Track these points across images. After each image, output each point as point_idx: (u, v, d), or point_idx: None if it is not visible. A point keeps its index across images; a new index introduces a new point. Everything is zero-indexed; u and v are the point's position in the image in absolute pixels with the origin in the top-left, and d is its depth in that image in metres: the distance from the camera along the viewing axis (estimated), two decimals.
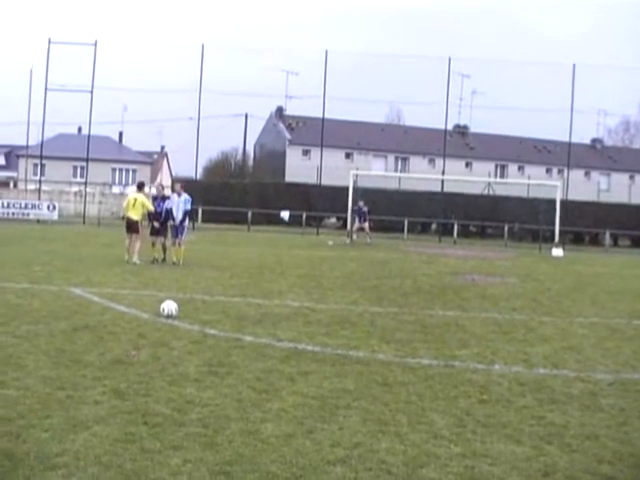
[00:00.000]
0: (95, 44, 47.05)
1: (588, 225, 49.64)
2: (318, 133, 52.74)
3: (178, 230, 20.68)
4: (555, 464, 5.80)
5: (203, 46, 49.81)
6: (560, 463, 5.83)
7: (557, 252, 37.27)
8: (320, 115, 52.30)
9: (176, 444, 5.77)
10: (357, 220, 38.04)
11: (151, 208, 20.63)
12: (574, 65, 51.86)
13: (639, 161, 74.98)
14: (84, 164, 52.33)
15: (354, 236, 38.06)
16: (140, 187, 21.58)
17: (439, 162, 57.77)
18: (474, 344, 10.62)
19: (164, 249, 20.79)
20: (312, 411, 6.83)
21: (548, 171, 69.01)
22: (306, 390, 7.53)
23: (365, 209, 37.71)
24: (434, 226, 51.35)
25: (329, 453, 5.75)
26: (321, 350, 9.61)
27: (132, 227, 20.46)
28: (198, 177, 54.98)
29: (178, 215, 20.73)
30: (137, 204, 20.49)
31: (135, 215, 20.48)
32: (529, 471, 5.63)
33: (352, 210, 38.91)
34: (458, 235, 45.35)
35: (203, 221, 46.53)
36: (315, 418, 6.63)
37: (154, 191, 22.81)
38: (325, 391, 7.54)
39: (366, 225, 37.87)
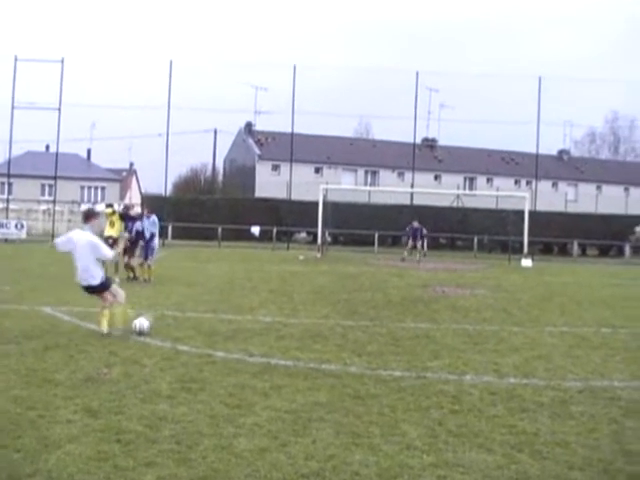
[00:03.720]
0: (62, 61, 46.95)
1: (556, 235, 50.16)
2: (287, 148, 52.88)
3: (147, 251, 20.75)
4: (526, 472, 5.87)
5: (171, 62, 49.97)
6: (531, 471, 5.90)
7: (526, 263, 37.59)
8: (289, 130, 52.44)
9: (149, 461, 5.76)
10: (410, 239, 38.01)
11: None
12: (540, 78, 52.57)
13: (605, 171, 75.85)
14: (52, 182, 52.09)
15: (405, 254, 37.98)
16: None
17: (408, 175, 58.24)
18: (445, 355, 10.70)
19: (132, 268, 20.74)
20: (285, 425, 6.85)
21: (516, 182, 69.58)
22: (279, 404, 7.55)
23: (420, 228, 37.85)
24: (404, 239, 51.53)
25: (303, 466, 5.77)
26: (293, 364, 9.64)
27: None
28: (168, 194, 54.89)
29: (146, 236, 20.85)
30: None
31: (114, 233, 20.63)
32: (501, 479, 5.69)
33: (406, 230, 38.84)
34: (428, 247, 45.56)
35: (173, 237, 46.39)
36: (288, 432, 6.65)
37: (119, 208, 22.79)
38: (298, 405, 7.57)
39: (419, 244, 38.08)
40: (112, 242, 20.33)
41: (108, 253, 12.08)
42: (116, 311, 11.88)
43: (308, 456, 6.02)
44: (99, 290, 11.80)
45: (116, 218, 20.77)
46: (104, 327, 11.41)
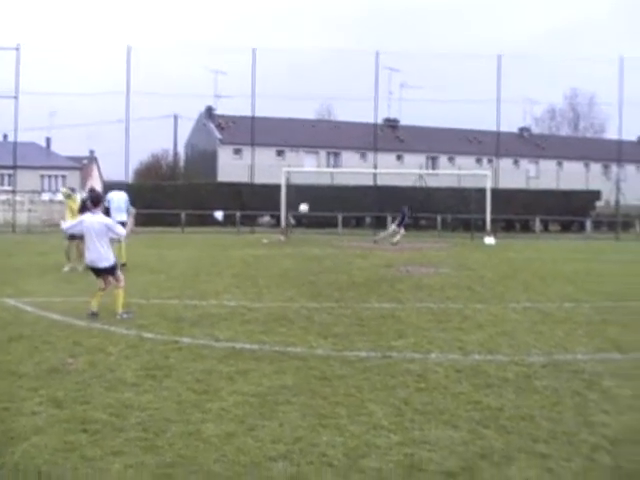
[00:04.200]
0: (18, 48, 46.29)
1: (518, 212, 50.54)
2: (249, 132, 52.78)
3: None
4: (492, 446, 5.95)
5: (129, 48, 49.51)
6: (496, 445, 5.98)
7: (489, 240, 37.84)
8: (250, 114, 52.27)
9: (116, 450, 5.75)
10: (397, 224, 36.65)
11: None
12: (499, 56, 52.85)
13: (566, 148, 76.58)
14: (11, 172, 51.52)
15: (378, 236, 37.04)
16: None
17: (370, 156, 58.31)
18: (410, 334, 10.77)
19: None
20: (252, 409, 6.87)
21: (478, 161, 69.94)
22: (246, 388, 7.56)
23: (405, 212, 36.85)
24: (368, 220, 51.66)
25: (270, 449, 5.80)
26: (259, 348, 9.65)
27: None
28: (129, 180, 54.52)
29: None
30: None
31: None
32: (467, 454, 5.76)
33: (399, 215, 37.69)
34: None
35: (136, 224, 45.99)
36: (255, 416, 6.67)
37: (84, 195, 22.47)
38: (264, 388, 7.59)
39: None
40: None
41: (122, 232, 12.70)
42: (116, 293, 12.10)
43: (275, 439, 6.04)
44: (108, 272, 12.17)
45: (73, 204, 20.47)
46: (94, 307, 11.79)
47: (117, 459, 5.56)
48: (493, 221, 41.56)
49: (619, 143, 54.54)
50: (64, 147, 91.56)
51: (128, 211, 21.09)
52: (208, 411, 6.78)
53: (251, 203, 48.75)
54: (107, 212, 20.75)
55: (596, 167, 74.20)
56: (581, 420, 6.70)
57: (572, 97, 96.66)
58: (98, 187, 56.81)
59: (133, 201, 22.13)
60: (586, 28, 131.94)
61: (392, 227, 36.88)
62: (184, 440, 5.99)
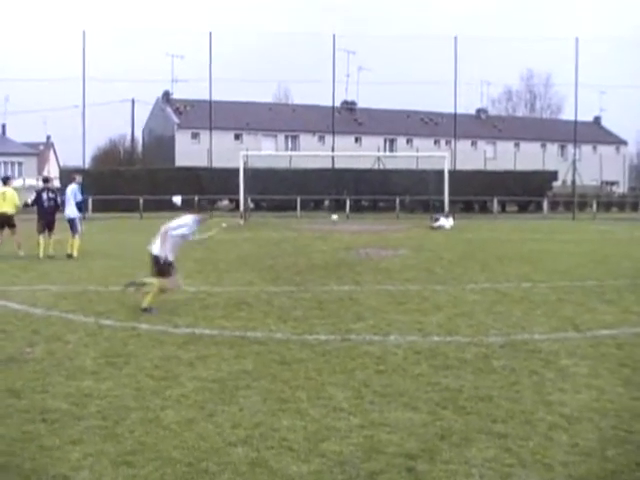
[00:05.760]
0: None
1: (476, 193, 50.87)
2: (206, 116, 52.51)
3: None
4: (451, 427, 6.00)
5: (84, 33, 49.03)
6: (456, 426, 6.03)
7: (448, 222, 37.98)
8: (207, 97, 52.02)
9: (75, 438, 5.71)
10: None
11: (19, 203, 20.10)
12: (456, 37, 53.05)
13: (523, 129, 77.23)
14: None
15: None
16: (5, 181, 20.91)
17: (329, 139, 58.30)
18: (369, 317, 10.82)
19: (38, 243, 19.73)
20: (212, 394, 6.86)
21: (436, 142, 70.30)
22: (205, 374, 7.55)
23: None
24: (327, 202, 51.64)
25: (230, 435, 5.80)
26: (219, 333, 9.63)
27: (6, 221, 19.76)
28: (87, 166, 54.02)
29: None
30: (7, 197, 19.84)
31: (9, 209, 19.81)
32: (426, 436, 5.80)
33: None
34: (350, 210, 45.73)
35: (94, 211, 45.62)
36: (215, 401, 6.66)
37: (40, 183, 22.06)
38: (224, 373, 7.58)
39: None
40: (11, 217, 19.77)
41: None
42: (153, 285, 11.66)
43: (235, 424, 6.04)
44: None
45: (11, 194, 20.07)
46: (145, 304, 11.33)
47: (76, 448, 5.51)
48: (451, 202, 41.78)
49: (575, 124, 54.97)
50: (20, 133, 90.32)
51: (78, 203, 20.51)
52: (168, 398, 6.76)
53: (209, 187, 48.44)
54: (62, 205, 20.45)
55: (553, 148, 74.97)
56: (538, 399, 6.79)
57: (528, 78, 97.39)
58: (55, 173, 56.26)
59: (83, 189, 21.56)
60: (543, 6, 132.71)
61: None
62: (144, 427, 5.97)
